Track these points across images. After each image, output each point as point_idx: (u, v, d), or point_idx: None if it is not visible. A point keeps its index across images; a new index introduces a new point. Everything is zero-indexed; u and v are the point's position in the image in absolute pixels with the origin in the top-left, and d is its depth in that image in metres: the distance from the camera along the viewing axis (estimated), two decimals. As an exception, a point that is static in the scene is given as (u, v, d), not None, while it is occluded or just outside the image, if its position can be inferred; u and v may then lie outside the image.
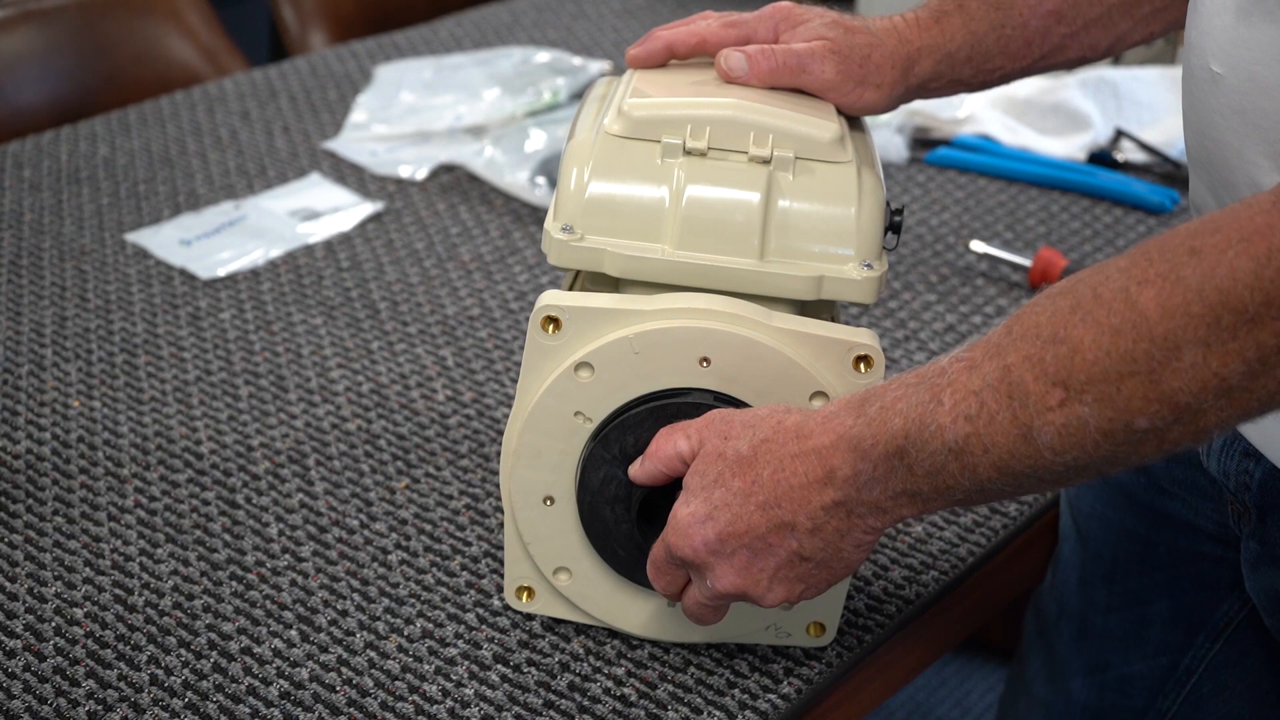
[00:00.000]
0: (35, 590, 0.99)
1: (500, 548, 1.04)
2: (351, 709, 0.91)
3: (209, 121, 1.66)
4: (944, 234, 1.47)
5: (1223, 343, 0.66)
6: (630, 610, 0.95)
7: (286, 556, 1.03)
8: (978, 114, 1.64)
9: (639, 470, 0.87)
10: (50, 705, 0.90)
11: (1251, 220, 0.67)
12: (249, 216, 1.46)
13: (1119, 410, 0.69)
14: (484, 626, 0.98)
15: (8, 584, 1.00)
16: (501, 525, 1.06)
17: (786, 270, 0.88)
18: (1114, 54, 1.03)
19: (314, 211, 1.48)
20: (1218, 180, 0.84)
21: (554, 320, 0.88)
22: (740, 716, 0.92)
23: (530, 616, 0.98)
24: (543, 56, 1.75)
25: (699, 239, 0.88)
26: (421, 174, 1.55)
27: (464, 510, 1.08)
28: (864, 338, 0.88)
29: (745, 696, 0.93)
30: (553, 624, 0.98)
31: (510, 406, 1.06)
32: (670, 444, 0.85)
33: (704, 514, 0.82)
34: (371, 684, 0.93)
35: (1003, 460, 0.73)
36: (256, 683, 0.93)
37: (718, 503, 0.82)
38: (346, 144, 1.61)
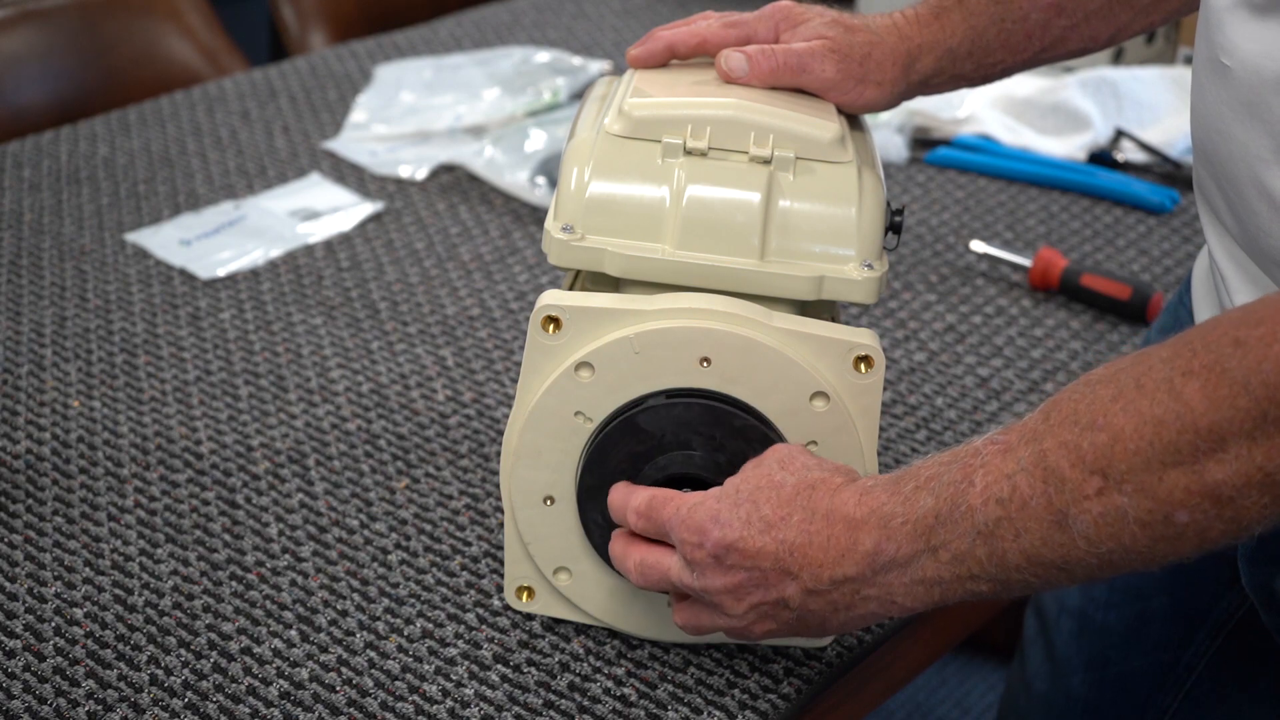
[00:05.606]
0: (35, 590, 0.99)
1: (500, 548, 1.03)
2: (351, 709, 0.91)
3: (209, 121, 1.66)
4: (944, 234, 1.47)
5: (1269, 436, 0.67)
6: (630, 610, 0.95)
7: (286, 556, 1.03)
8: (978, 114, 1.64)
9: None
10: (50, 705, 0.90)
11: None
12: (249, 216, 1.46)
13: (1159, 501, 0.69)
14: (484, 626, 0.97)
15: (8, 584, 1.00)
16: (501, 525, 1.06)
17: (787, 270, 0.88)
18: (1115, 44, 1.04)
19: (314, 211, 1.48)
20: (1222, 173, 0.84)
21: (554, 320, 0.88)
22: (740, 716, 0.92)
23: (530, 616, 0.98)
24: (543, 56, 1.75)
25: (699, 239, 0.88)
26: (421, 174, 1.55)
27: (464, 510, 1.08)
28: (864, 338, 0.88)
29: (745, 696, 0.93)
30: (553, 624, 0.98)
31: (510, 406, 1.06)
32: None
33: (725, 519, 0.82)
34: (371, 684, 0.93)
35: (1033, 548, 0.73)
36: (256, 683, 0.93)
37: (743, 517, 0.82)
38: (346, 144, 1.61)
